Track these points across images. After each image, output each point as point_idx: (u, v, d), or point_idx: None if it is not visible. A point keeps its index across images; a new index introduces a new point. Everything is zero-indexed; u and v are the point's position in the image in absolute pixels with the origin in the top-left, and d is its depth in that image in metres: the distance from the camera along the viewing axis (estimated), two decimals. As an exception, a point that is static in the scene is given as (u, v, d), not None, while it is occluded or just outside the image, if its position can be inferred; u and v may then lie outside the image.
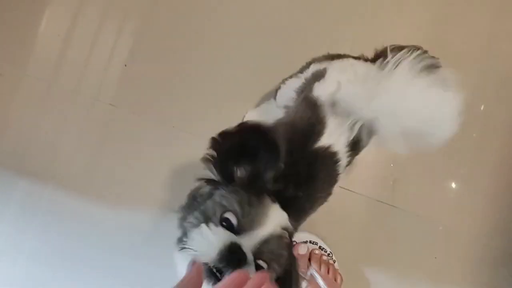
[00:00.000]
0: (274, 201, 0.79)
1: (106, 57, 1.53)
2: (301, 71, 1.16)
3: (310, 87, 1.02)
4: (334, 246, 1.46)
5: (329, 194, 1.04)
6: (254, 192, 0.77)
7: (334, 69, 1.02)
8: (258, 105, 1.50)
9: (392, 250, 1.50)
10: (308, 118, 0.98)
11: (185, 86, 1.53)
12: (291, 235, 0.79)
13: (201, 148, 1.44)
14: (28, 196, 1.45)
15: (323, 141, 0.95)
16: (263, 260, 0.73)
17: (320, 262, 1.41)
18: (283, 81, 1.23)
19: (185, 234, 0.77)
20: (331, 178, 1.01)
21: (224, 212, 0.74)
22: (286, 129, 0.99)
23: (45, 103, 1.50)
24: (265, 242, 0.72)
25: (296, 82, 1.14)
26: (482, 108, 1.59)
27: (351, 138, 0.96)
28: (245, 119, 1.45)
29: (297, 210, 0.94)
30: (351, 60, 1.06)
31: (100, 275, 1.43)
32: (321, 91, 0.99)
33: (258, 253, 0.72)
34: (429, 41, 1.41)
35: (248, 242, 0.71)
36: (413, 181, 1.53)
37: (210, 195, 0.80)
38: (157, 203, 1.46)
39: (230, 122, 1.46)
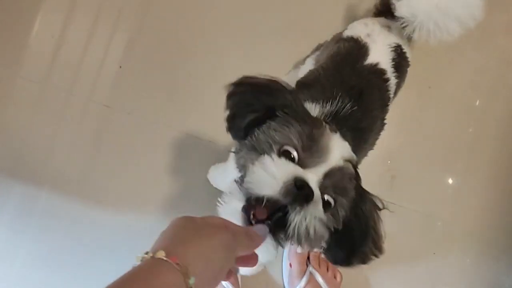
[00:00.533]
0: (334, 131, 0.71)
1: (100, 58, 1.52)
2: (319, 46, 1.27)
3: (339, 35, 1.14)
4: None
5: (383, 121, 1.08)
6: (310, 121, 0.70)
7: (354, 23, 1.17)
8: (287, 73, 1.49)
9: (391, 247, 1.47)
10: (351, 45, 1.07)
11: (181, 85, 1.52)
12: (355, 166, 0.71)
13: (197, 147, 1.46)
14: (23, 200, 1.44)
15: (370, 59, 1.04)
16: (329, 195, 0.66)
17: (319, 259, 1.41)
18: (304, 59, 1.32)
19: (242, 169, 0.70)
20: (383, 96, 1.05)
21: (282, 146, 0.67)
22: (333, 57, 1.07)
23: (39, 105, 1.49)
24: (329, 175, 0.66)
25: (313, 56, 1.25)
26: (477, 103, 1.59)
27: (393, 58, 1.06)
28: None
29: (355, 128, 0.92)
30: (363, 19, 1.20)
31: (98, 279, 1.41)
32: (352, 31, 1.12)
33: (322, 188, 0.65)
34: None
35: (313, 177, 0.65)
36: (410, 177, 1.54)
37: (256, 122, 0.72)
38: (155, 204, 1.46)
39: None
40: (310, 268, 1.39)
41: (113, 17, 1.54)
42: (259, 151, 0.68)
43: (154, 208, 1.45)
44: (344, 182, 0.67)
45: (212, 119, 1.49)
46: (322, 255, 1.43)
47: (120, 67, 1.51)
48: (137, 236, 1.43)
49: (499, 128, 1.59)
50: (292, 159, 0.66)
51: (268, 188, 0.61)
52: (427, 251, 1.52)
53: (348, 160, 0.69)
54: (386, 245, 1.47)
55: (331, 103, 0.90)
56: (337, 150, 0.68)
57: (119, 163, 1.48)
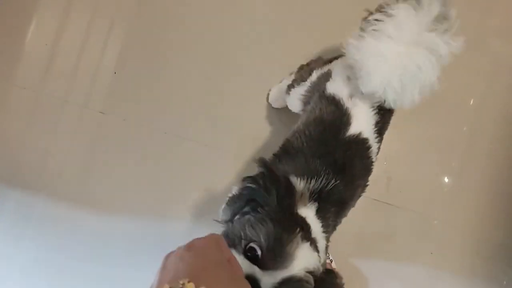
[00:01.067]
0: (306, 239, 0.73)
1: (95, 65, 1.52)
2: (303, 79, 1.22)
3: (323, 87, 1.09)
4: (330, 245, 1.45)
5: (366, 184, 1.09)
6: (285, 224, 0.72)
7: (338, 66, 1.10)
8: (281, 81, 1.48)
9: (389, 247, 1.51)
10: (333, 111, 1.04)
11: (175, 91, 1.52)
12: (318, 278, 0.72)
13: (193, 152, 1.46)
14: (20, 207, 1.44)
15: (352, 130, 1.01)
16: None
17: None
18: (289, 88, 1.29)
19: None
20: (366, 164, 1.05)
21: (250, 241, 0.71)
22: (316, 124, 1.05)
23: (34, 113, 1.49)
24: (286, 283, 0.68)
25: (300, 90, 1.21)
26: (471, 103, 1.60)
27: (376, 122, 1.04)
28: (270, 96, 1.47)
29: (337, 201, 0.95)
30: None
31: (95, 284, 1.42)
32: (334, 88, 1.06)
33: None
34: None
35: (268, 279, 0.68)
36: (406, 178, 1.54)
37: (242, 212, 0.78)
38: (151, 210, 1.46)
39: (222, 126, 1.48)
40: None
41: (106, 23, 1.54)
42: (230, 239, 0.72)
43: (152, 213, 1.45)
44: None
45: (208, 124, 1.51)
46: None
47: (115, 73, 1.51)
48: (134, 242, 1.44)
49: (493, 127, 1.59)
50: (255, 256, 0.69)
51: None
52: (424, 251, 1.52)
53: (311, 272, 0.70)
54: (384, 246, 1.49)
55: (316, 179, 0.93)
56: (302, 260, 0.69)
57: (116, 169, 1.48)
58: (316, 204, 0.90)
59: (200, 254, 0.54)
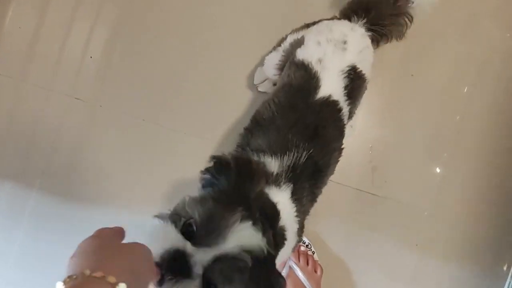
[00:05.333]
0: (248, 218, 0.71)
1: (68, 49, 1.49)
2: (279, 44, 1.23)
3: (294, 53, 1.11)
4: (313, 237, 1.43)
5: (341, 147, 1.10)
6: (226, 202, 0.72)
7: (311, 33, 1.13)
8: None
9: (373, 239, 1.47)
10: (302, 76, 1.05)
11: (154, 77, 1.49)
12: (257, 258, 0.69)
13: (185, 143, 1.43)
14: (13, 199, 1.43)
15: (321, 92, 1.03)
16: (212, 279, 0.67)
17: (298, 253, 1.38)
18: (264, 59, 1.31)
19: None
20: (339, 126, 1.06)
21: (188, 219, 0.71)
22: (285, 90, 1.06)
23: (19, 102, 1.46)
24: (218, 260, 0.67)
25: (275, 57, 1.23)
26: (465, 90, 1.55)
27: (346, 85, 1.06)
28: (254, 77, 1.46)
29: (313, 173, 0.96)
30: (325, 22, 1.17)
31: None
32: (304, 54, 1.08)
33: (208, 271, 0.66)
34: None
35: (202, 256, 0.67)
36: (393, 168, 1.50)
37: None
38: (145, 202, 1.43)
39: (215, 117, 1.44)
40: (289, 262, 1.35)
41: (83, 9, 1.50)
42: (175, 212, 0.73)
43: (146, 207, 1.42)
44: (231, 271, 0.67)
45: (189, 112, 1.47)
46: (302, 248, 1.40)
47: (91, 57, 1.47)
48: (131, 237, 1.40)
49: (486, 116, 1.54)
50: (191, 233, 0.69)
51: (154, 248, 0.64)
52: (410, 243, 1.48)
53: (249, 251, 0.68)
54: (369, 238, 1.46)
55: (289, 155, 0.93)
56: (235, 238, 0.68)
57: (106, 160, 1.45)
58: (291, 185, 0.91)
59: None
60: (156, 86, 1.48)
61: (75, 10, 1.50)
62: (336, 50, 1.07)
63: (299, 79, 1.05)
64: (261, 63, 1.43)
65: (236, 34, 1.51)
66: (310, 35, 1.12)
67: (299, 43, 1.13)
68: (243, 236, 0.69)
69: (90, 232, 0.59)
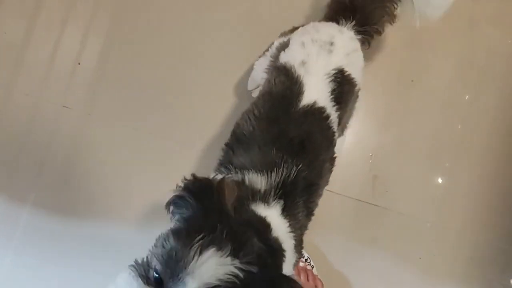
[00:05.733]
0: (207, 246, 0.62)
1: (57, 56, 1.44)
2: (266, 50, 1.18)
3: (277, 57, 1.04)
4: (312, 249, 1.37)
5: (333, 157, 1.01)
6: (187, 234, 0.64)
7: (296, 34, 1.07)
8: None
9: (375, 252, 1.42)
10: (283, 82, 0.97)
11: (158, 89, 1.44)
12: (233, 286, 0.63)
13: (176, 152, 1.38)
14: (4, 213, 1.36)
15: (305, 99, 0.94)
16: None
17: (298, 269, 1.32)
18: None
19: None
20: (327, 135, 0.98)
21: (155, 266, 0.65)
22: (264, 100, 0.98)
23: (6, 111, 1.41)
24: None
25: (264, 62, 1.16)
26: (466, 98, 1.51)
27: (333, 89, 0.97)
28: (248, 84, 1.40)
29: (305, 187, 0.89)
30: (312, 23, 1.10)
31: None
32: (287, 57, 1.01)
33: None
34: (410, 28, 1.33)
35: None
36: (394, 177, 1.45)
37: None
38: (134, 213, 1.37)
39: (206, 126, 1.39)
40: (288, 278, 1.29)
41: (63, 17, 1.46)
42: (146, 261, 0.67)
43: (139, 220, 1.37)
44: None
45: (179, 121, 1.43)
46: (301, 264, 1.34)
47: (79, 63, 1.43)
48: (124, 252, 1.34)
49: (489, 124, 1.50)
50: (159, 282, 0.63)
51: None
52: (413, 255, 1.43)
53: (216, 287, 0.61)
54: (369, 249, 1.40)
55: (276, 171, 0.86)
56: (199, 275, 0.60)
57: (98, 172, 1.39)
58: (281, 202, 0.84)
59: None
60: (146, 94, 1.44)
61: (64, 17, 1.46)
62: (321, 51, 1.00)
63: (280, 86, 0.98)
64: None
65: (225, 44, 1.47)
66: (295, 37, 1.05)
67: (284, 46, 1.06)
68: (205, 270, 0.61)
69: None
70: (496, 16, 1.54)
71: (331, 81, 0.97)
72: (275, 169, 0.86)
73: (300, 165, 0.88)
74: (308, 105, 0.94)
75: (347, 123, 1.11)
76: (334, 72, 0.98)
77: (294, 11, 1.47)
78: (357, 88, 1.07)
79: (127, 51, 1.46)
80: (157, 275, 0.64)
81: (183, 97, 1.44)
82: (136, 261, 0.68)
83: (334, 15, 1.12)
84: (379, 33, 1.18)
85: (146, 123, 1.42)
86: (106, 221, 1.37)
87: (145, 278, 0.65)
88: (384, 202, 1.42)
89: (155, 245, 0.67)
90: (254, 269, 0.63)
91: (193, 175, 0.74)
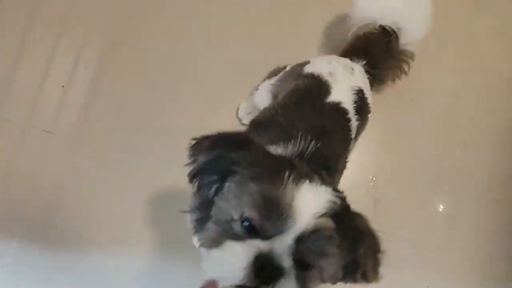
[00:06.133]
0: (302, 176, 0.62)
1: (40, 79, 1.37)
2: (275, 73, 1.20)
3: (299, 70, 1.08)
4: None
5: (346, 160, 1.03)
6: (268, 176, 0.61)
7: (317, 58, 1.13)
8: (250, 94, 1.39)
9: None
10: (311, 83, 1.02)
11: (144, 112, 1.39)
12: (336, 213, 0.62)
13: (168, 175, 1.29)
14: None
15: (332, 98, 0.98)
16: (307, 262, 0.61)
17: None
18: (256, 88, 1.28)
19: (209, 245, 0.65)
20: (346, 136, 1.00)
21: (242, 216, 0.61)
22: (291, 94, 1.01)
23: None
24: (302, 239, 0.59)
25: (271, 81, 1.19)
26: (467, 118, 1.47)
27: (355, 101, 1.02)
28: (239, 110, 1.39)
29: (322, 164, 0.87)
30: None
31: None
32: (313, 68, 1.06)
33: (298, 253, 0.59)
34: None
35: (281, 247, 0.59)
36: (396, 200, 1.40)
37: (220, 185, 0.66)
38: (129, 241, 1.29)
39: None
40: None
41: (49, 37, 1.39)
42: (222, 224, 0.63)
43: (131, 245, 1.29)
44: (320, 245, 0.60)
45: (169, 143, 1.33)
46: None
47: (63, 86, 1.36)
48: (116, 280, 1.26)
49: (487, 147, 1.47)
50: (255, 231, 0.60)
51: (230, 278, 0.59)
52: (420, 284, 1.35)
53: (325, 214, 0.60)
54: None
55: (293, 144, 0.85)
56: (307, 207, 0.60)
57: (86, 199, 1.31)
58: None
59: None
60: (132, 117, 1.38)
61: (52, 43, 1.41)
62: (345, 70, 1.06)
63: (309, 85, 1.01)
64: (241, 99, 1.38)
65: (217, 71, 1.43)
66: (317, 59, 1.12)
67: (303, 64, 1.10)
68: (309, 202, 0.60)
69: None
70: (496, 32, 1.52)
71: (354, 93, 1.03)
72: (292, 141, 0.85)
73: (319, 144, 0.87)
74: (334, 102, 0.98)
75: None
76: (357, 88, 1.04)
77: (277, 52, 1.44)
78: (368, 114, 1.11)
79: (115, 75, 1.41)
80: (247, 224, 0.61)
81: (171, 120, 1.39)
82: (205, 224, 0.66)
83: (348, 53, 1.19)
84: (381, 83, 1.28)
85: (134, 146, 1.35)
86: (99, 251, 1.28)
87: (230, 235, 0.62)
88: (386, 227, 1.34)
89: (234, 195, 0.63)
90: (341, 195, 0.65)
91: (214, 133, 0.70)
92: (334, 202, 0.62)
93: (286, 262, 0.59)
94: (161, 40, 1.44)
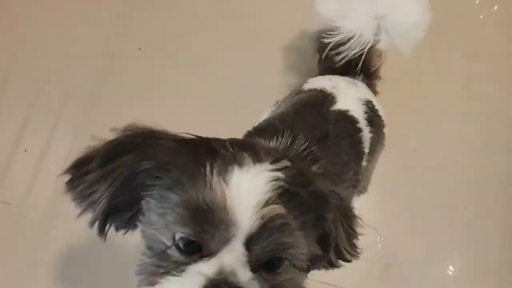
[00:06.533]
0: (234, 159, 0.51)
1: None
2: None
3: (298, 89, 1.06)
4: None
5: (358, 172, 0.95)
6: (189, 173, 0.50)
7: (315, 78, 1.10)
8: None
9: None
10: (315, 94, 0.98)
11: None
12: (294, 178, 0.52)
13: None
14: None
15: (338, 106, 0.94)
16: (270, 257, 0.51)
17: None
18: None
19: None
20: (356, 145, 0.93)
21: (174, 238, 0.50)
22: (294, 103, 0.98)
23: None
24: (252, 242, 0.49)
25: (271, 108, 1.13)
26: (473, 172, 1.37)
27: (365, 111, 0.97)
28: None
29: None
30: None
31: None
32: (315, 83, 1.03)
33: (254, 257, 0.50)
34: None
35: (231, 258, 0.49)
36: (409, 265, 1.26)
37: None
38: None
39: None
40: None
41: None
42: (157, 255, 0.51)
43: None
44: (274, 240, 0.50)
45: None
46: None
47: (25, 151, 1.27)
48: None
49: (501, 198, 1.35)
50: (195, 249, 0.50)
51: None
52: None
53: (270, 199, 0.49)
54: None
55: (279, 139, 0.78)
56: (244, 201, 0.49)
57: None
58: None
59: None
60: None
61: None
62: (348, 83, 1.03)
63: (312, 96, 0.98)
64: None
65: (211, 111, 1.39)
66: (316, 78, 1.09)
67: (302, 84, 1.08)
68: (245, 193, 0.49)
69: None
70: (491, 74, 1.48)
71: (363, 104, 0.98)
72: (278, 136, 0.78)
73: (314, 148, 0.79)
74: (340, 110, 0.93)
75: (369, 178, 1.08)
76: (366, 99, 1.00)
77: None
78: (384, 129, 1.05)
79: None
80: (183, 245, 0.50)
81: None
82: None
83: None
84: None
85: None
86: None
87: (171, 265, 0.50)
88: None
89: (148, 223, 0.52)
90: (287, 163, 0.53)
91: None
92: (277, 178, 0.51)
93: (243, 274, 0.49)
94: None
